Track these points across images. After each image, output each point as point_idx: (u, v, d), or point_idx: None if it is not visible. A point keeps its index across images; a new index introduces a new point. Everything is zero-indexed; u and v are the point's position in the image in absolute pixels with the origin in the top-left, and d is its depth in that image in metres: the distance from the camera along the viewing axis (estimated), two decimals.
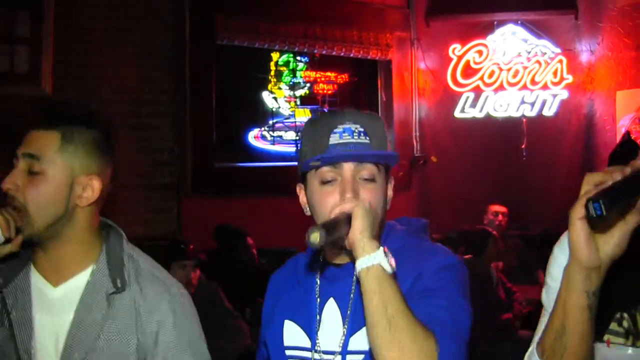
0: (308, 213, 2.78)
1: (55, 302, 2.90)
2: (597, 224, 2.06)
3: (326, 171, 2.70)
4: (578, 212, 2.04)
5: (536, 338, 2.43)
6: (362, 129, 2.73)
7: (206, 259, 8.22)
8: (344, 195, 2.64)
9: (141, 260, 3.07)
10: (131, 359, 2.87)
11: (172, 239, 8.01)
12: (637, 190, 2.05)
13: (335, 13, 11.87)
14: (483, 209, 10.36)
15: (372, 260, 2.37)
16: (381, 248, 2.41)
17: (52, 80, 8.73)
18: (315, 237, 2.32)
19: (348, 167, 2.68)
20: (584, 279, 2.12)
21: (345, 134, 2.71)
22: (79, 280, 2.91)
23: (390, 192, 2.88)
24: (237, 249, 8.58)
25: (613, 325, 2.50)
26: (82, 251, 2.94)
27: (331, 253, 2.89)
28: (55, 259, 2.91)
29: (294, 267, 3.14)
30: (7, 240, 2.67)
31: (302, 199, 2.88)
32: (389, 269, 2.38)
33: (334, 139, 2.72)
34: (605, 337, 2.49)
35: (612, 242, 2.09)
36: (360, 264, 2.38)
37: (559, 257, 2.58)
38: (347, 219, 2.47)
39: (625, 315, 2.49)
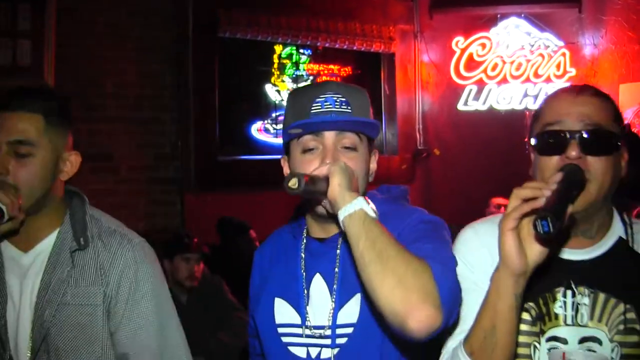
0: None
1: (27, 267, 3.14)
2: (550, 240, 2.26)
3: (308, 140, 2.76)
4: (508, 224, 2.28)
5: (451, 340, 2.68)
6: (344, 99, 2.78)
7: (209, 253, 8.22)
8: (324, 162, 2.68)
9: (104, 220, 3.29)
10: (98, 310, 3.11)
11: (176, 232, 8.02)
12: (567, 201, 2.25)
13: (339, 5, 11.85)
14: (486, 201, 10.35)
15: (354, 206, 2.44)
16: (361, 196, 2.47)
17: (54, 73, 8.73)
18: (293, 182, 2.41)
19: (329, 135, 2.75)
20: (513, 283, 2.36)
21: (327, 103, 2.76)
22: (46, 244, 3.16)
23: (373, 165, 2.95)
24: (240, 242, 8.57)
25: (524, 315, 2.65)
26: (50, 218, 3.19)
27: (314, 224, 2.95)
28: (26, 228, 3.11)
29: (279, 242, 3.19)
30: (9, 218, 2.88)
31: (286, 170, 2.93)
32: (372, 213, 2.43)
33: (315, 108, 2.77)
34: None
35: (537, 249, 2.34)
36: (343, 213, 2.45)
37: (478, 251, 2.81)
38: (326, 179, 2.53)
39: (532, 304, 2.66)
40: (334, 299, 2.83)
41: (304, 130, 2.76)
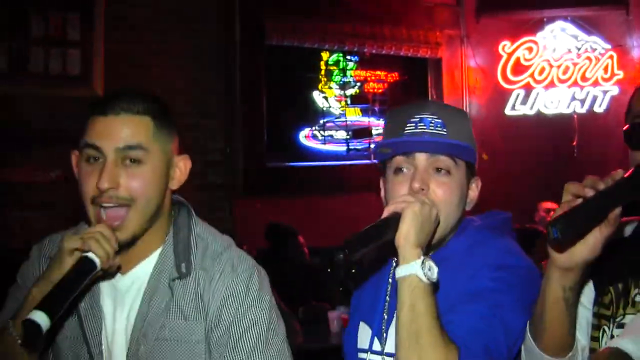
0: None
1: (123, 291, 2.80)
2: (563, 244, 2.25)
3: (399, 160, 2.66)
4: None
5: None
6: (439, 120, 2.67)
7: (258, 258, 8.24)
8: (413, 185, 2.58)
9: (210, 240, 2.88)
10: (200, 347, 2.73)
11: None
12: (610, 205, 2.19)
13: (385, 11, 11.87)
14: (534, 206, 10.30)
15: (409, 269, 2.35)
16: (421, 258, 2.36)
17: (103, 81, 8.83)
18: (339, 258, 2.27)
19: (420, 157, 2.63)
20: (560, 276, 2.34)
21: (421, 124, 2.66)
22: (146, 267, 2.79)
23: (473, 192, 2.86)
24: (288, 247, 8.60)
25: (603, 298, 2.62)
26: (154, 236, 2.79)
27: None
28: (130, 247, 2.73)
29: (381, 261, 3.04)
30: (102, 270, 2.50)
31: (382, 193, 2.82)
32: (425, 280, 2.34)
33: (409, 129, 2.67)
34: None
35: (586, 248, 2.25)
36: (398, 273, 2.37)
37: None
38: (396, 221, 2.40)
39: (611, 287, 2.60)
40: None
41: (394, 150, 2.68)
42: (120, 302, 2.78)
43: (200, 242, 2.84)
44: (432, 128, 2.64)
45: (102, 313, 2.77)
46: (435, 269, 2.37)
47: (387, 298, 2.81)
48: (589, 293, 2.68)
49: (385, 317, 2.78)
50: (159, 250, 2.80)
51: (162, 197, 2.72)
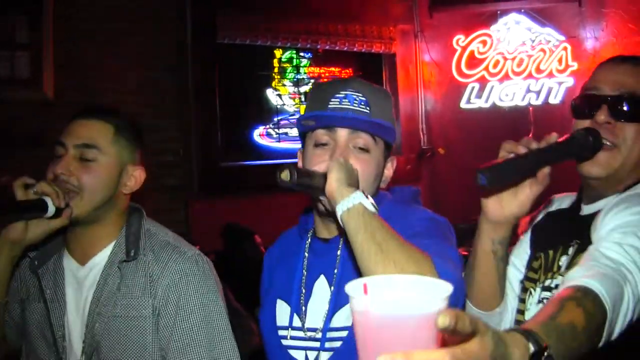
0: None
1: (82, 280, 3.20)
2: (494, 189, 2.51)
3: (321, 134, 2.74)
4: None
5: None
6: (364, 98, 2.74)
7: (215, 259, 8.19)
8: (333, 158, 2.63)
9: (160, 233, 3.31)
10: (148, 322, 3.07)
11: None
12: (540, 163, 2.43)
13: (338, 7, 11.83)
14: None
15: (352, 200, 2.37)
16: (360, 191, 2.41)
17: (53, 84, 8.69)
18: (285, 174, 2.41)
19: (342, 132, 2.71)
20: (490, 230, 2.62)
21: (345, 100, 2.73)
22: (101, 257, 3.20)
23: (388, 171, 2.91)
24: (245, 247, 8.56)
25: (534, 262, 2.88)
26: (108, 230, 3.23)
27: (320, 223, 2.91)
28: (86, 240, 3.22)
29: (287, 242, 3.16)
30: (57, 213, 2.98)
31: (299, 164, 2.89)
32: (371, 208, 2.37)
33: (333, 104, 2.73)
34: None
35: (515, 203, 2.54)
36: (341, 208, 2.38)
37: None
38: (324, 175, 2.49)
39: (542, 253, 2.85)
40: (330, 302, 2.78)
41: (317, 123, 2.74)
42: (80, 289, 3.19)
43: (149, 234, 3.27)
44: (355, 105, 2.72)
45: (64, 299, 3.18)
46: (373, 200, 2.43)
47: (304, 272, 2.90)
48: (524, 257, 2.97)
49: (304, 291, 2.86)
50: (113, 242, 3.21)
51: (109, 195, 3.16)
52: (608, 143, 2.61)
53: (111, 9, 9.38)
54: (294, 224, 3.18)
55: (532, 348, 1.56)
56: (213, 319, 3.12)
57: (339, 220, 2.41)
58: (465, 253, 2.79)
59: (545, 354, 1.57)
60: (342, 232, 2.49)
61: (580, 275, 2.09)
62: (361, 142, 2.70)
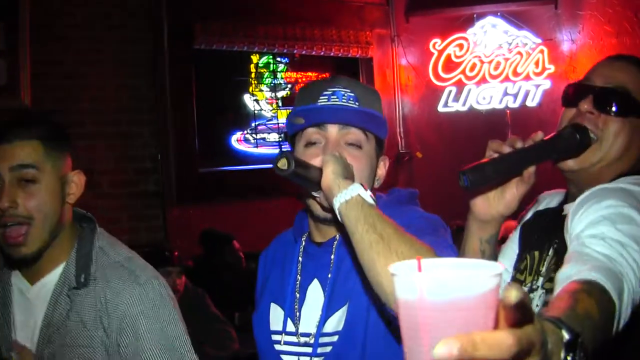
0: None
1: (31, 301, 3.03)
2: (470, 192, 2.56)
3: (311, 132, 2.70)
4: None
5: None
6: (352, 94, 2.73)
7: (193, 265, 8.18)
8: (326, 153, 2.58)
9: (112, 253, 3.11)
10: (98, 353, 2.89)
11: (156, 246, 7.97)
12: (525, 162, 2.45)
13: (314, 12, 11.82)
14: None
15: (350, 192, 2.33)
16: (358, 183, 2.38)
17: (30, 91, 8.66)
18: (282, 163, 2.35)
19: (332, 129, 2.69)
20: (477, 228, 2.69)
21: (334, 96, 2.71)
22: (51, 278, 3.03)
23: (381, 170, 2.90)
24: (223, 253, 8.55)
25: (520, 264, 2.88)
26: (59, 249, 3.04)
27: (314, 227, 2.87)
28: (35, 261, 3.01)
29: (281, 245, 3.11)
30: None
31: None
32: (370, 200, 2.33)
33: (322, 100, 2.71)
34: None
35: (502, 202, 2.60)
36: (338, 200, 2.34)
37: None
38: (319, 169, 2.45)
39: (528, 255, 2.84)
40: (323, 307, 2.74)
41: (307, 121, 2.71)
42: (30, 311, 3.02)
43: (102, 254, 3.07)
44: (344, 100, 2.70)
45: (13, 320, 3.02)
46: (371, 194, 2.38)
47: (298, 277, 2.86)
48: (512, 257, 2.97)
49: (298, 295, 2.83)
50: (63, 264, 3.03)
51: (59, 212, 3.00)
52: (594, 137, 2.60)
53: (88, 16, 9.38)
54: (273, 229, 3.16)
55: (566, 336, 1.52)
56: (175, 346, 2.96)
57: (337, 214, 2.36)
58: None
59: (579, 340, 1.53)
60: (338, 231, 2.51)
61: (578, 270, 2.06)
62: (352, 138, 2.69)
